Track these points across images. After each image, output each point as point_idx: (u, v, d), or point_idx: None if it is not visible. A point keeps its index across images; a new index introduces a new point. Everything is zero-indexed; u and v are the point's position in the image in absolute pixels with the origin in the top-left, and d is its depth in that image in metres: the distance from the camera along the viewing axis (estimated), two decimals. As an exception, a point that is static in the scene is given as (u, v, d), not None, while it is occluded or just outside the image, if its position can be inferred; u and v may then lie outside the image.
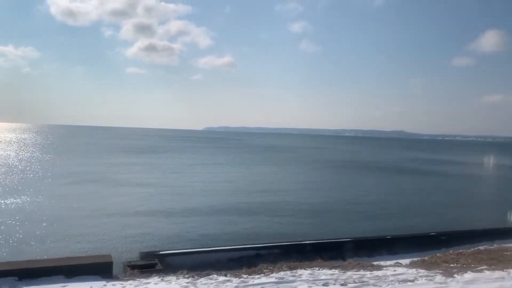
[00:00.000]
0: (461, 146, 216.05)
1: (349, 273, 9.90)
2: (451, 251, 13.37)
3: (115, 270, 9.78)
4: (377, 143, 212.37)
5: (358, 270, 10.24)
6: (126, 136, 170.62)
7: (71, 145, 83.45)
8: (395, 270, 10.33)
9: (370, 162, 63.70)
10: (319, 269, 10.14)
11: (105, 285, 8.56)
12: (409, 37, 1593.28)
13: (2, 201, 21.17)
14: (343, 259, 12.11)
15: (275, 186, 31.98)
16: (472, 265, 11.16)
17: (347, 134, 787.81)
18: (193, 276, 9.28)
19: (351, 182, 37.61)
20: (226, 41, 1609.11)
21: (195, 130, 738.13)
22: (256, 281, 8.99)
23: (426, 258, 12.53)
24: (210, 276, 9.27)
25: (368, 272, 9.97)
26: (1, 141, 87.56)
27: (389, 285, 8.86)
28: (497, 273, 10.06)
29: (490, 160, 78.73)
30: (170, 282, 8.86)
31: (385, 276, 9.58)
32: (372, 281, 9.10)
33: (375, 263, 11.71)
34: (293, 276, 9.45)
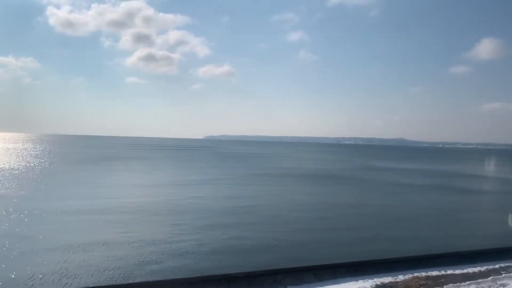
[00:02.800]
0: (460, 154, 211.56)
1: None
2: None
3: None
4: (364, 151, 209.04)
5: None
6: (106, 145, 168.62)
7: (71, 154, 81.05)
8: None
9: (321, 171, 60.13)
10: None
11: None
12: (404, 47, 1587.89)
13: None
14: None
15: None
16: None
17: (347, 142, 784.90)
18: None
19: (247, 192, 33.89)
20: (224, 51, 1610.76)
21: (195, 139, 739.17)
22: None
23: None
24: None
25: None
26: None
27: None
28: None
29: (483, 170, 73.23)
30: None
31: None
32: None
33: None
34: None
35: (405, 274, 13.41)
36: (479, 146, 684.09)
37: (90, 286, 11.38)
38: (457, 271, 13.99)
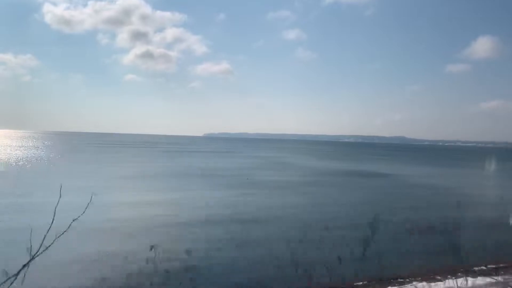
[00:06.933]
0: (446, 152, 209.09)
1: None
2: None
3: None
4: (353, 150, 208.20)
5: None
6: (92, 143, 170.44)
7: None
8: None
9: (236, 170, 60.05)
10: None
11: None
12: (402, 45, 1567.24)
13: None
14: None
15: None
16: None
17: (346, 140, 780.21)
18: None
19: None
20: (222, 49, 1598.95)
21: (195, 137, 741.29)
22: None
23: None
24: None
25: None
26: None
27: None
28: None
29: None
30: None
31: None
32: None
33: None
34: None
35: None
36: (479, 144, 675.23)
37: None
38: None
